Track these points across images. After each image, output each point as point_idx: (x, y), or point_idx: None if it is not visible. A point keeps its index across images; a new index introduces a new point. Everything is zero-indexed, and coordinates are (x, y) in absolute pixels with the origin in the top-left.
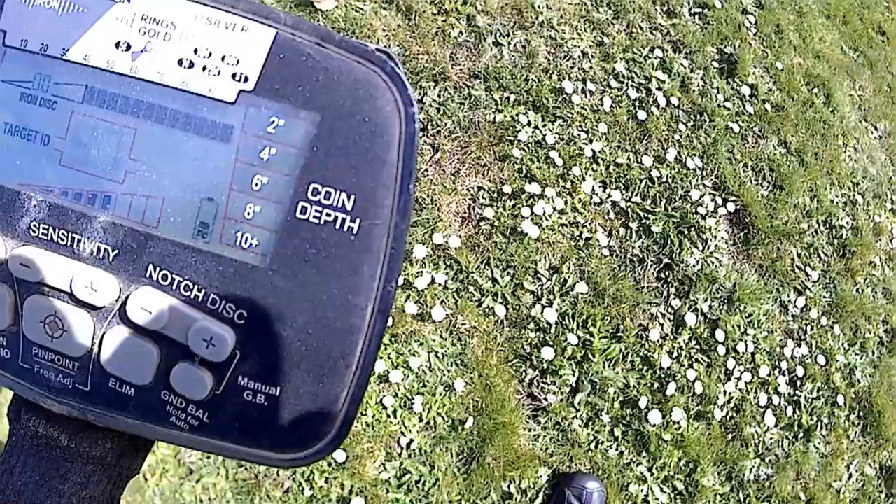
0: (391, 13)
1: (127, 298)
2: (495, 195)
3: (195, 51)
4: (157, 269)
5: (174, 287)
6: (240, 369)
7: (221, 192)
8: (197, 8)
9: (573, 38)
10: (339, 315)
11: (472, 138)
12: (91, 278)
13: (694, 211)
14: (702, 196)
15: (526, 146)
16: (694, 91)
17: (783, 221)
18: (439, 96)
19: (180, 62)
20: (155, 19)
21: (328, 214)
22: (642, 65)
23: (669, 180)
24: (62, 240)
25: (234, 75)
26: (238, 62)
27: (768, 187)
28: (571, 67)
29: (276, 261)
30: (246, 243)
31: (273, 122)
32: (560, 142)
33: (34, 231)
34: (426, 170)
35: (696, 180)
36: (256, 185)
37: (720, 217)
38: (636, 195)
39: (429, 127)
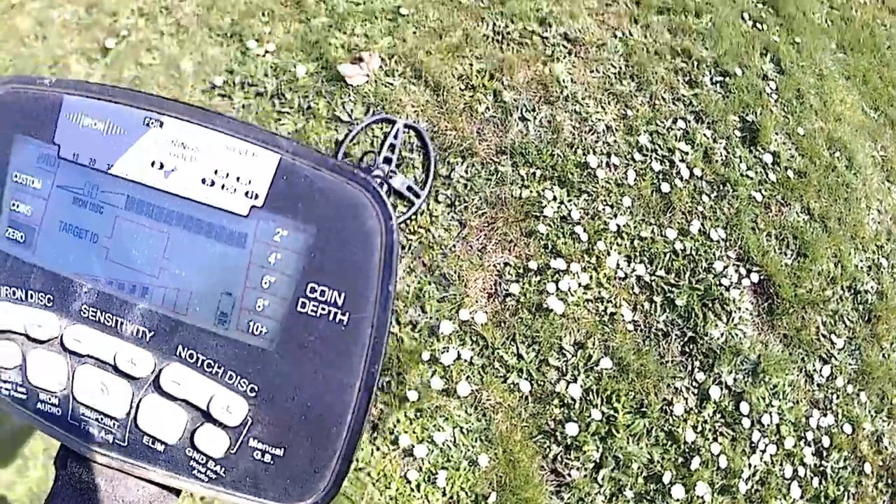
0: (420, 88)
1: (161, 371)
2: (521, 271)
3: (216, 171)
4: (185, 348)
5: (199, 364)
6: (251, 433)
7: (238, 288)
8: (217, 136)
9: (597, 112)
10: (333, 391)
11: (498, 214)
12: (131, 354)
13: (718, 283)
14: (725, 267)
15: (552, 221)
16: (717, 161)
17: (807, 290)
18: (466, 172)
19: (203, 180)
20: (183, 143)
21: (323, 309)
22: (665, 136)
23: (693, 253)
24: (108, 321)
25: (246, 193)
26: (250, 182)
27: (792, 255)
28: (596, 141)
29: (281, 346)
30: (257, 331)
31: (278, 232)
32: (585, 216)
33: (85, 313)
34: (453, 245)
35: (720, 252)
36: (266, 283)
37: (744, 288)
38: (660, 269)
39: (456, 203)
